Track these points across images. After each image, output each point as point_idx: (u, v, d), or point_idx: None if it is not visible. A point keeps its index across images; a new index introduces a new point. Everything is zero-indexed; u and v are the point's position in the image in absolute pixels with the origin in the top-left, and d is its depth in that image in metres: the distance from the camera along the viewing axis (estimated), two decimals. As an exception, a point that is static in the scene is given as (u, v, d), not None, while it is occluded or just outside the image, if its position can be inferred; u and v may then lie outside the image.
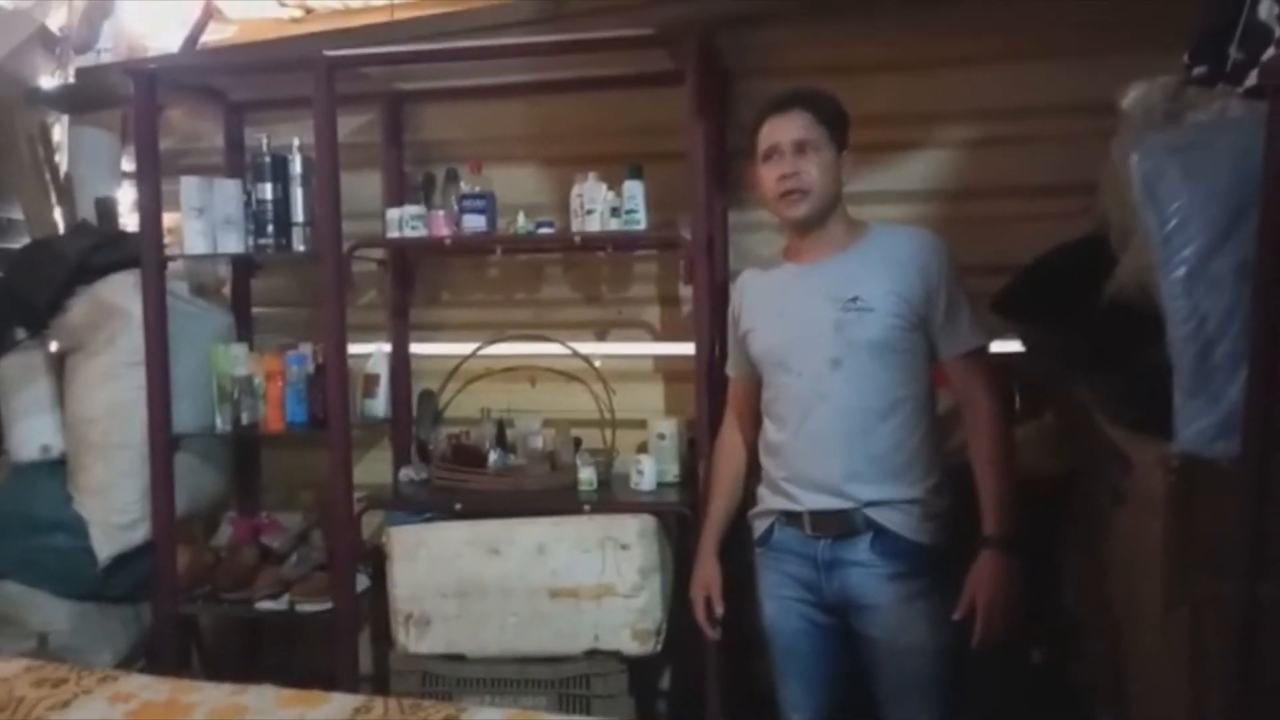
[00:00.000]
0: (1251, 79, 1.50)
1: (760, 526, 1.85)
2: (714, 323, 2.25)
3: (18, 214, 2.94)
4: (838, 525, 1.71)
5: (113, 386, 2.48)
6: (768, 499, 1.83)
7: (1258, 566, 1.38)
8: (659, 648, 2.24)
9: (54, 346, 2.62)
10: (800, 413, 1.75)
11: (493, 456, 2.47)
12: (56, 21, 3.00)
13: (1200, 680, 1.54)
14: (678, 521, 2.36)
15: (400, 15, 2.58)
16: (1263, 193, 1.37)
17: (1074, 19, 2.15)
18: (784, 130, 1.73)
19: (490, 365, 2.65)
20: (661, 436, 2.41)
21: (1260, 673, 1.33)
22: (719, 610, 1.91)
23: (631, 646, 2.20)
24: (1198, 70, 1.64)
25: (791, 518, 1.77)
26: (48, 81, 2.94)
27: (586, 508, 2.27)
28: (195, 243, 2.42)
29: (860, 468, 1.70)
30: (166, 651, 2.47)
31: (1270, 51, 1.44)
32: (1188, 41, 1.70)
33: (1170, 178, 1.48)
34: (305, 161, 2.41)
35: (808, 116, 1.73)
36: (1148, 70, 1.73)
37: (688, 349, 2.28)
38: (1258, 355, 1.39)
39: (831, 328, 1.71)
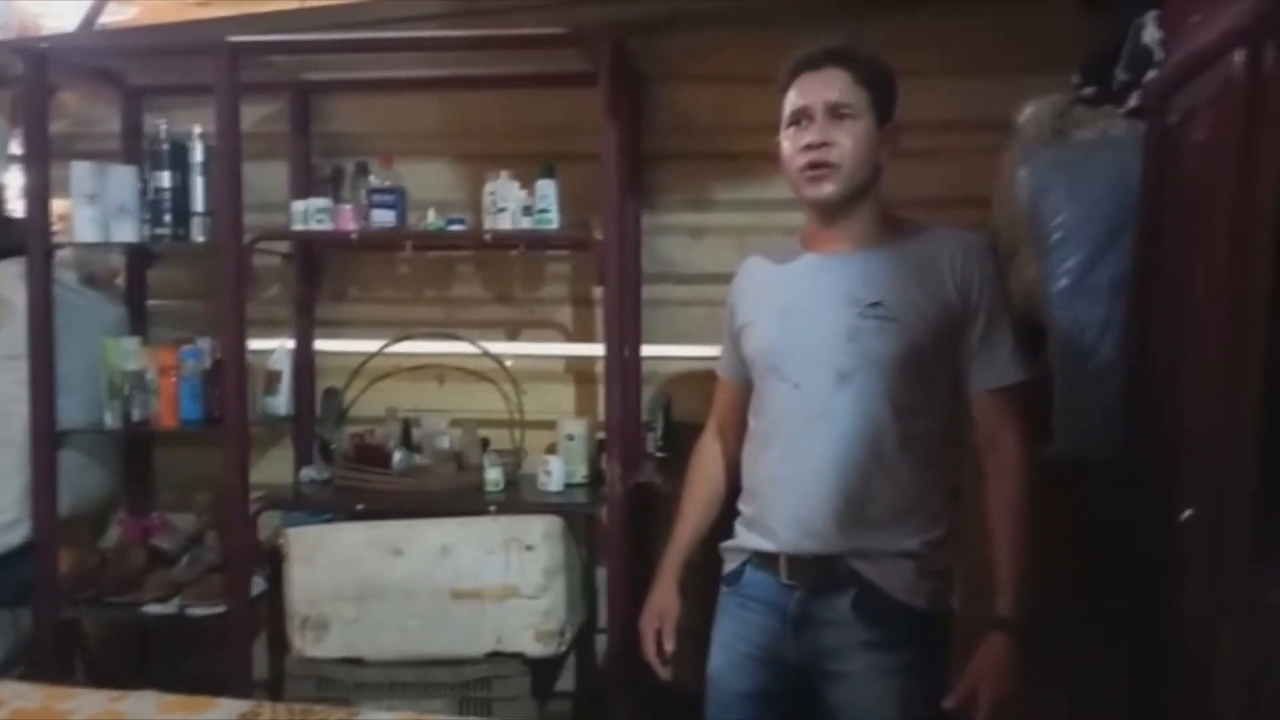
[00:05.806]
0: (1133, 99, 1.58)
1: (731, 563, 1.57)
2: (625, 324, 2.26)
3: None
4: (817, 575, 1.44)
5: (-7, 379, 2.36)
6: (742, 534, 1.56)
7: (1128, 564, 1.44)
8: (562, 649, 2.24)
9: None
10: (791, 431, 1.48)
11: (397, 456, 2.42)
12: (-58, -5, 2.84)
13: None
14: (585, 522, 2.37)
15: (310, 3, 2.52)
16: (1139, 209, 1.44)
17: (974, 38, 2.22)
18: (816, 91, 1.45)
19: (398, 363, 2.60)
20: (570, 437, 2.40)
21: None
22: (669, 646, 1.62)
23: (534, 648, 2.18)
24: (1086, 90, 1.71)
25: (766, 559, 1.50)
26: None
27: (492, 508, 2.25)
28: (86, 230, 2.31)
29: (853, 508, 1.43)
30: (47, 658, 2.35)
31: (1151, 74, 1.52)
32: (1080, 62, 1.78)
33: (1055, 192, 1.54)
34: (206, 150, 2.33)
35: (846, 77, 1.44)
36: (1044, 89, 1.80)
37: (599, 350, 2.28)
38: (1133, 362, 1.46)
39: (844, 335, 1.44)
